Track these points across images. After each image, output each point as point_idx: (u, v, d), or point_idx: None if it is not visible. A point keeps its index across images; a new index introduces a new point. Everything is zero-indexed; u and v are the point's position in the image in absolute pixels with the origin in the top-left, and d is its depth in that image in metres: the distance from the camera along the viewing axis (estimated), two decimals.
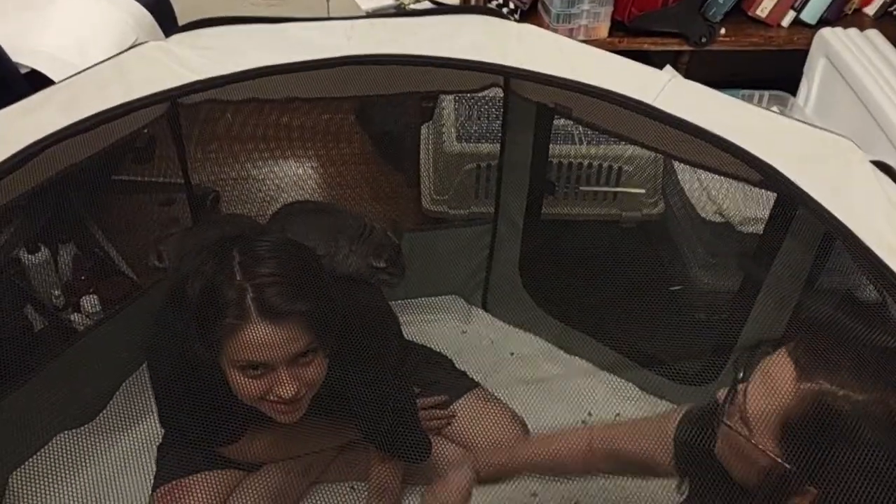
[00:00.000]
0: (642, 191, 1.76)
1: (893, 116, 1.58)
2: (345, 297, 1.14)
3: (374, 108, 2.18)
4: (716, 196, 1.64)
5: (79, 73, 1.16)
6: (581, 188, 1.76)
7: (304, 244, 1.15)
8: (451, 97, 1.88)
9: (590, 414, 1.57)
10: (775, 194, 1.22)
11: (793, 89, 1.98)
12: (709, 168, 1.22)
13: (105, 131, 1.15)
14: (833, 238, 1.08)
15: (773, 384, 0.81)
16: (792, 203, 1.16)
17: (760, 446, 0.81)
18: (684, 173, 1.74)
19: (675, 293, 1.70)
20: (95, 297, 1.69)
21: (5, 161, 1.00)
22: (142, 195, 1.82)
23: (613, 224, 1.86)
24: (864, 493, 0.74)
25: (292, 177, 2.12)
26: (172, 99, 1.25)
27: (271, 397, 1.07)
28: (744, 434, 0.83)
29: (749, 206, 1.55)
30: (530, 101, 1.38)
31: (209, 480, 1.30)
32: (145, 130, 1.43)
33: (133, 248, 1.77)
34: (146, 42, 1.23)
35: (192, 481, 1.30)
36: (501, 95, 1.43)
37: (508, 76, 1.34)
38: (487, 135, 1.78)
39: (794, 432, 0.79)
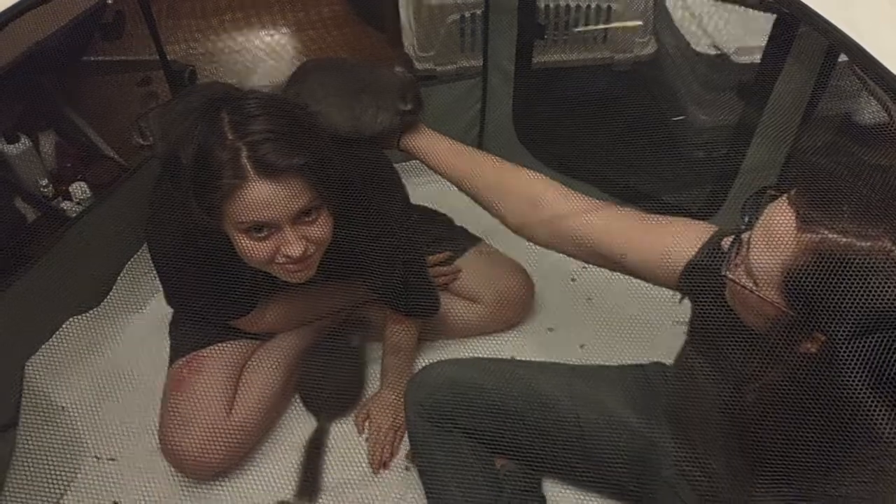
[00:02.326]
0: (639, 23, 1.68)
1: None
2: (342, 150, 1.11)
3: None
4: (708, 26, 1.58)
5: None
6: (574, 30, 1.69)
7: (292, 97, 1.11)
8: None
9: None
10: (774, 16, 1.17)
11: None
12: None
13: (68, 3, 1.09)
14: (836, 53, 1.05)
15: (775, 235, 0.80)
16: (793, 21, 1.11)
17: (765, 297, 0.80)
18: (676, 9, 1.68)
19: (673, 131, 1.68)
20: (84, 183, 1.66)
21: None
22: (116, 75, 1.75)
23: (606, 68, 1.80)
24: (871, 337, 0.73)
25: (268, 45, 2.04)
26: None
27: (279, 258, 1.06)
28: (748, 287, 0.82)
29: (746, 34, 1.50)
30: None
31: (225, 350, 1.32)
32: (110, 1, 1.35)
33: (115, 130, 1.73)
34: None
35: (208, 352, 1.31)
36: None
37: None
38: None
39: (798, 282, 0.78)
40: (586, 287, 1.58)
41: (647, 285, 1.53)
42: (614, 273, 1.45)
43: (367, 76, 1.18)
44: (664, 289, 1.36)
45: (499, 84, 1.56)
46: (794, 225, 0.78)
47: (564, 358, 1.36)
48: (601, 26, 1.71)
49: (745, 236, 0.85)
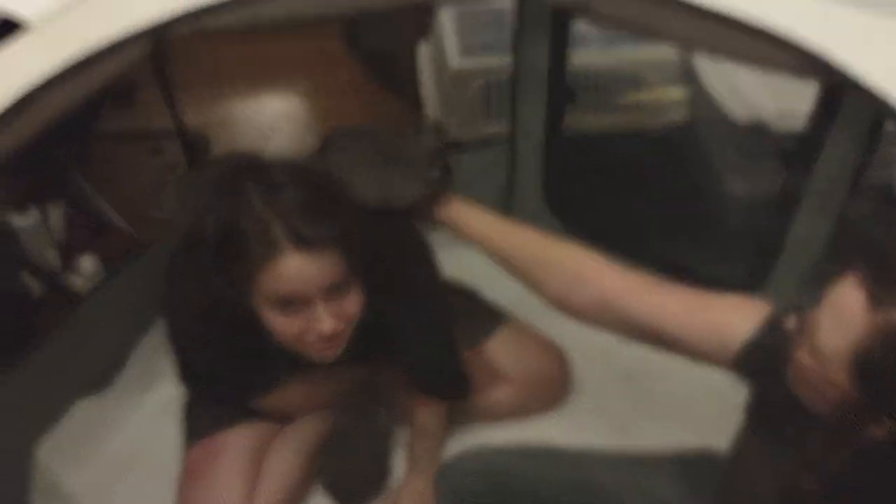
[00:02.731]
0: (680, 93, 1.63)
1: None
2: (373, 221, 1.05)
3: (363, 28, 2.04)
4: (744, 91, 1.54)
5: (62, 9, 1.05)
6: (617, 101, 1.65)
7: (317, 167, 1.05)
8: (449, 7, 1.76)
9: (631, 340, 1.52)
10: (818, 82, 1.13)
11: None
12: (748, 59, 1.11)
13: (93, 73, 1.04)
14: (883, 120, 1.00)
15: (845, 315, 0.76)
16: (839, 88, 1.07)
17: (833, 379, 0.77)
18: (709, 76, 1.64)
19: (711, 201, 1.61)
20: (93, 256, 1.60)
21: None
22: (127, 144, 1.70)
23: (637, 133, 1.76)
24: None
25: (285, 112, 2.01)
26: (157, 35, 1.13)
27: (310, 336, 1.00)
28: (815, 367, 0.79)
29: (785, 100, 1.45)
30: (544, 3, 1.27)
31: (244, 434, 1.24)
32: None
33: (126, 201, 1.68)
34: None
35: (225, 437, 1.24)
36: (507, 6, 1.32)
37: None
38: (494, 45, 1.66)
39: (868, 365, 0.74)
40: (624, 364, 1.50)
41: (687, 363, 1.47)
42: (650, 352, 1.38)
43: (394, 145, 1.14)
44: (706, 368, 1.30)
45: (527, 151, 1.51)
46: (864, 305, 0.74)
47: (605, 441, 1.28)
48: (643, 97, 1.67)
49: (808, 316, 0.81)
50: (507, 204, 1.60)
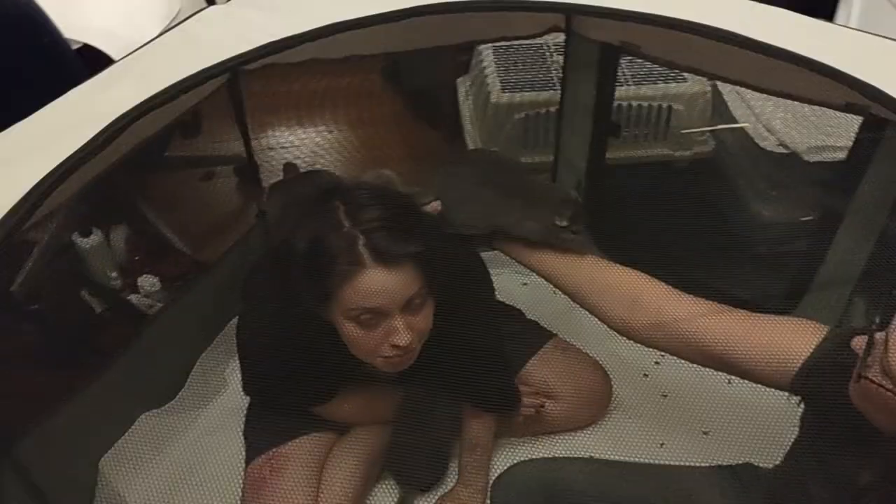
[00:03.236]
0: (745, 125, 1.71)
1: None
2: (446, 241, 1.13)
3: (404, 65, 2.14)
4: (772, 124, 1.62)
5: (145, 44, 1.13)
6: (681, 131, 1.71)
7: (399, 191, 1.13)
8: (489, 46, 1.85)
9: (662, 355, 1.57)
10: (859, 117, 1.20)
11: (829, 16, 1.95)
12: (796, 97, 1.19)
13: (179, 103, 1.12)
14: None
15: None
16: (880, 121, 1.14)
17: None
18: (736, 108, 1.72)
19: (739, 229, 1.68)
20: (152, 276, 1.67)
21: (95, 138, 0.97)
22: (187, 170, 1.78)
23: (665, 165, 1.84)
24: None
25: (328, 142, 2.09)
26: (233, 68, 1.21)
27: (386, 349, 1.06)
28: (889, 387, 0.80)
29: (816, 135, 1.53)
30: (593, 41, 1.36)
31: (305, 446, 1.29)
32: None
33: (183, 224, 1.75)
34: (208, 7, 1.19)
35: (287, 450, 1.28)
36: (550, 42, 1.40)
37: (571, 13, 1.31)
38: (535, 83, 1.75)
39: None
40: (660, 383, 1.56)
41: (721, 383, 1.52)
42: (691, 368, 1.44)
43: (524, 182, 1.19)
44: (740, 387, 1.35)
45: (567, 179, 1.59)
46: None
47: (646, 457, 1.32)
48: (706, 128, 1.75)
49: (878, 336, 0.84)
50: None
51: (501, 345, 1.33)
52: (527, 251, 1.21)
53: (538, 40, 1.76)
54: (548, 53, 1.82)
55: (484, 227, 1.15)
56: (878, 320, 0.86)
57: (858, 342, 0.86)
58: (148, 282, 1.66)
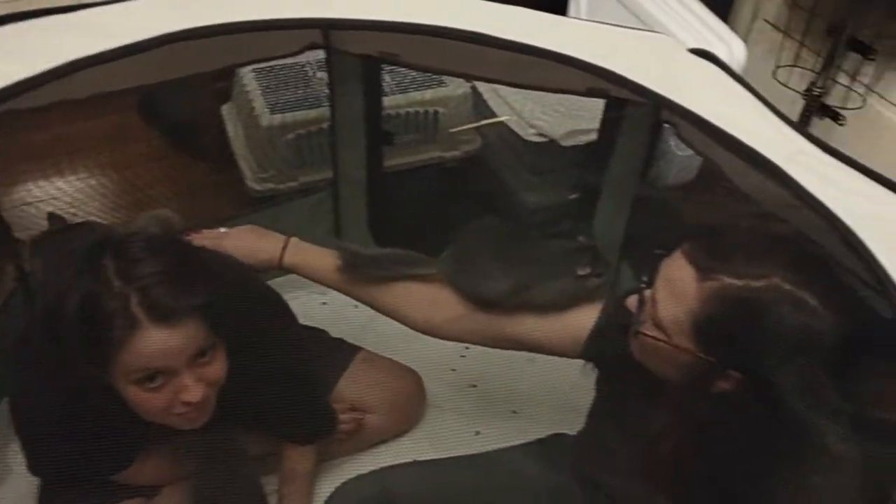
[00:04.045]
0: (505, 118, 1.78)
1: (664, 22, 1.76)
2: (233, 284, 1.08)
3: (161, 98, 2.03)
4: (533, 119, 1.73)
5: None
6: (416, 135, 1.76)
7: (175, 236, 1.07)
8: (250, 70, 1.81)
9: (467, 347, 1.63)
10: (601, 100, 1.33)
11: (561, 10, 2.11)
12: (545, 88, 1.29)
13: None
14: (663, 123, 1.20)
15: (679, 287, 0.86)
16: (621, 102, 1.26)
17: (680, 346, 0.87)
18: (497, 106, 1.83)
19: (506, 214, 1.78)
20: None
21: None
22: None
23: (436, 166, 1.91)
24: (781, 366, 0.81)
25: (89, 188, 1.94)
26: None
27: (177, 407, 1.00)
28: (661, 338, 0.88)
29: (568, 121, 1.66)
30: (353, 54, 1.37)
31: None
32: None
33: None
34: None
35: None
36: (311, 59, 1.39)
37: (327, 28, 1.31)
38: (303, 101, 1.74)
39: (707, 327, 0.84)
40: (468, 374, 1.62)
41: (523, 362, 1.61)
42: (494, 354, 1.51)
43: (537, 248, 1.17)
44: (542, 363, 1.44)
45: (350, 193, 1.60)
46: (694, 276, 0.85)
47: (464, 449, 1.36)
48: (470, 125, 1.80)
49: (647, 294, 0.92)
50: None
51: (308, 370, 1.31)
52: (317, 267, 1.21)
53: (299, 58, 1.75)
54: (311, 70, 1.82)
55: (510, 293, 1.12)
56: (645, 279, 0.94)
57: (631, 302, 0.95)
58: None
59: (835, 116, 1.97)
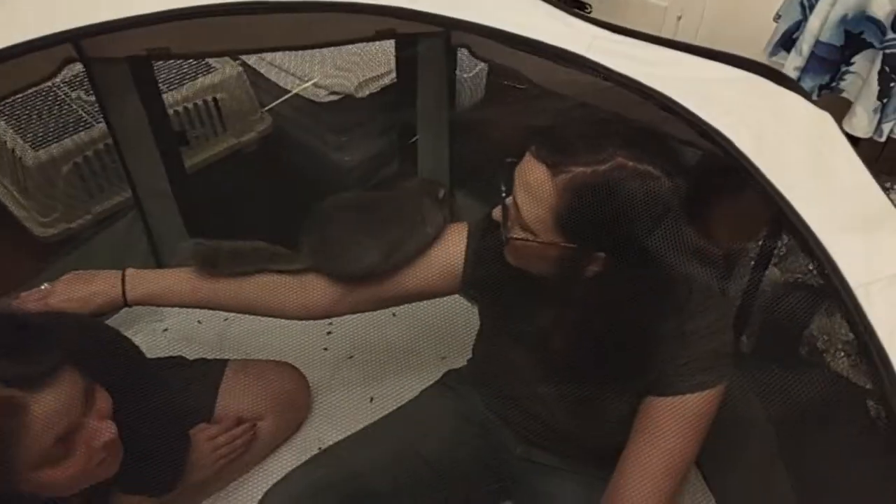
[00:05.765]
0: (293, 90, 1.71)
1: None
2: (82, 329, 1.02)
3: None
4: (320, 79, 1.68)
5: None
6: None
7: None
8: None
9: (330, 322, 1.59)
10: (390, 40, 1.31)
11: None
12: (332, 43, 1.24)
13: None
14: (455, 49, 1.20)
15: (535, 187, 0.89)
16: (411, 37, 1.25)
17: (547, 241, 0.90)
18: (278, 78, 1.75)
19: (330, 185, 1.75)
20: None
21: None
22: None
23: (238, 153, 1.81)
24: (645, 234, 0.86)
25: None
26: None
27: (95, 458, 0.95)
28: (530, 238, 0.92)
29: (361, 71, 1.62)
30: (116, 58, 1.25)
31: None
32: None
33: None
34: None
35: None
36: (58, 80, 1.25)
37: (77, 39, 1.17)
38: (68, 127, 1.57)
39: (568, 217, 0.88)
40: (341, 348, 1.58)
41: (391, 318, 1.60)
42: (358, 321, 1.48)
43: (385, 205, 1.14)
44: (406, 313, 1.44)
45: (159, 208, 1.48)
46: (546, 173, 0.89)
47: (364, 418, 1.34)
48: (263, 108, 1.69)
49: (508, 201, 0.95)
50: (155, 262, 1.55)
51: (175, 400, 1.24)
52: (168, 292, 1.13)
53: (43, 85, 1.58)
54: (62, 91, 1.64)
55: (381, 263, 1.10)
56: (504, 188, 0.96)
57: (496, 212, 0.98)
58: None
59: (581, 7, 2.09)
